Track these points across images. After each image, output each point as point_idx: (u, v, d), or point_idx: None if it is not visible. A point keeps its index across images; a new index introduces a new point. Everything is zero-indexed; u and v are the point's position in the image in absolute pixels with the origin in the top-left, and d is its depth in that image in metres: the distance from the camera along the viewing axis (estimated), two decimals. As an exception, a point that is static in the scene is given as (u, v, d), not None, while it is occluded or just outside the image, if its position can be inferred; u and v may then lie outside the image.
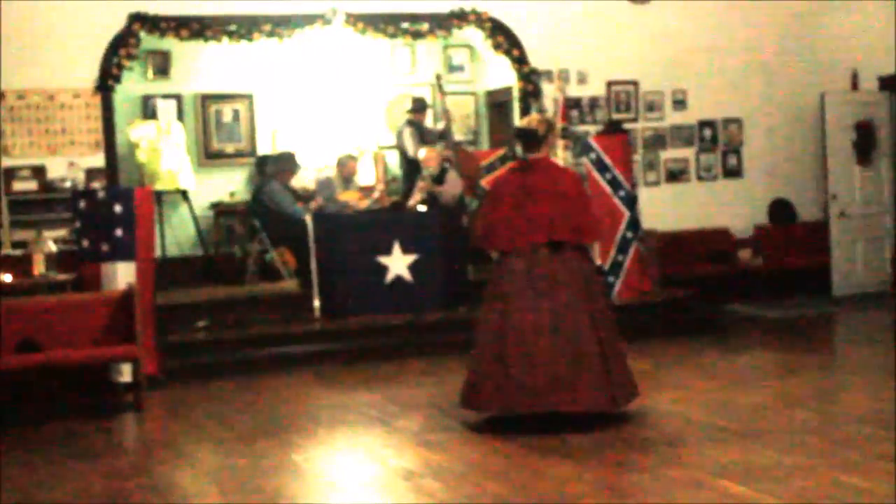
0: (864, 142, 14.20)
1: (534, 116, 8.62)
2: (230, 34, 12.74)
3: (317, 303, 11.84)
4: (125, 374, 9.84)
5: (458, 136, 14.54)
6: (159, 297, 10.97)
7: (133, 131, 13.47)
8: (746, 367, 10.40)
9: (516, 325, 7.68)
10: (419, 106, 13.88)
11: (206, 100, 14.56)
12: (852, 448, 6.85)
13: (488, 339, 7.79)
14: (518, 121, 13.08)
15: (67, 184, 12.03)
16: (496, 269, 8.01)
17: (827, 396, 8.75)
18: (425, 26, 13.41)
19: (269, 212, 12.91)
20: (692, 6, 14.37)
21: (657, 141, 14.39)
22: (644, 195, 13.16)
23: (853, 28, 14.48)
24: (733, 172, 14.72)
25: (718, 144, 14.68)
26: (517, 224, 7.85)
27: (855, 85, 14.52)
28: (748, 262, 14.23)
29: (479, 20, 13.53)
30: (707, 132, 14.61)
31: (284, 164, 13.21)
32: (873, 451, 6.73)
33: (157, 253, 12.20)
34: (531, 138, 8.06)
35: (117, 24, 12.33)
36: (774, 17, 14.65)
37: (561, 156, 12.28)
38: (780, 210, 14.79)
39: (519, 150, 8.31)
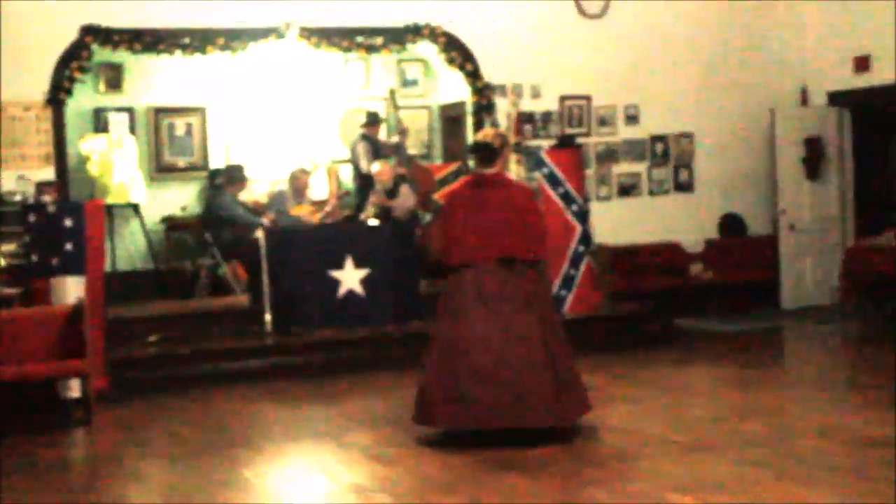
0: (813, 157, 14.34)
1: (489, 131, 8.65)
2: (183, 47, 12.67)
3: (268, 317, 11.79)
4: (74, 389, 9.76)
5: (412, 150, 14.55)
6: (110, 311, 10.89)
7: (84, 144, 13.40)
8: (697, 380, 10.47)
9: (468, 340, 7.69)
10: (373, 120, 13.89)
11: (159, 113, 14.49)
12: (803, 460, 6.92)
13: (440, 354, 7.80)
14: (472, 135, 13.15)
15: (17, 197, 11.90)
16: (449, 284, 7.99)
17: (777, 409, 8.81)
18: (379, 40, 13.40)
19: (221, 225, 12.85)
20: (645, 22, 14.46)
21: (609, 155, 14.45)
22: (596, 209, 13.20)
23: (803, 45, 14.64)
24: (684, 187, 14.80)
25: (670, 159, 14.75)
26: (470, 239, 7.86)
27: (804, 101, 14.66)
28: (699, 275, 14.31)
29: (433, 35, 13.54)
30: (659, 147, 14.68)
31: (233, 175, 13.17)
32: (823, 464, 6.80)
33: (108, 267, 12.12)
34: (487, 153, 8.07)
35: (69, 36, 12.23)
36: (726, 33, 14.76)
37: (514, 170, 12.32)
38: (731, 224, 14.89)
39: (473, 164, 8.30)
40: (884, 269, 12.88)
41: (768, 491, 6.28)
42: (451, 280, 7.95)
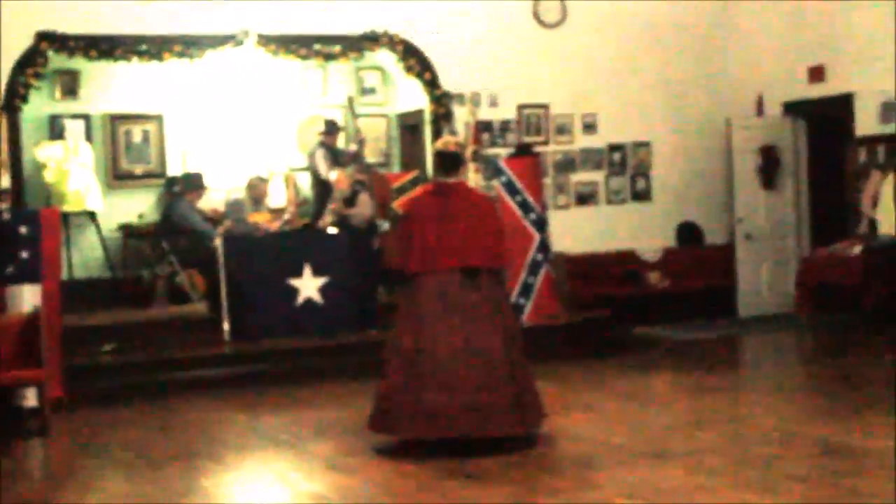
0: (769, 166, 14.47)
1: (449, 139, 8.66)
2: (140, 54, 12.63)
3: (226, 326, 11.74)
4: (30, 398, 9.68)
5: (370, 158, 14.55)
6: (66, 319, 10.80)
7: (40, 152, 13.30)
8: (654, 388, 10.51)
9: (430, 349, 7.68)
10: (331, 128, 13.86)
11: (116, 120, 14.41)
12: (759, 468, 6.96)
13: (400, 362, 7.77)
14: (430, 144, 13.17)
15: (-28, 205, 11.82)
16: (409, 292, 7.98)
17: (733, 417, 8.85)
18: (337, 48, 13.41)
19: (178, 233, 12.79)
20: (602, 31, 14.54)
21: (567, 164, 14.50)
22: (554, 218, 13.24)
23: (758, 55, 14.76)
24: (642, 196, 14.88)
25: (627, 168, 14.83)
26: (432, 248, 7.86)
27: (760, 110, 14.78)
28: (656, 284, 14.39)
29: (391, 43, 13.56)
30: (616, 156, 14.76)
31: (192, 183, 13.11)
32: (779, 471, 6.84)
33: (64, 275, 12.03)
34: (453, 162, 8.09)
35: (24, 42, 12.16)
36: (683, 43, 14.87)
37: (472, 178, 12.33)
38: (688, 233, 14.99)
39: (434, 172, 8.31)
40: (839, 278, 13.00)
41: (725, 499, 6.30)
42: (412, 288, 7.93)
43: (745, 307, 14.33)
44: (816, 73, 14.06)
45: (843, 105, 13.70)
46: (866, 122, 13.42)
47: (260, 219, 13.37)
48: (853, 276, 12.75)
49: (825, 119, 14.32)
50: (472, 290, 7.82)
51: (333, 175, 13.11)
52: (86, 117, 14.13)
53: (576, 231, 14.09)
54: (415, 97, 14.34)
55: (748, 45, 14.89)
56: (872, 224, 13.10)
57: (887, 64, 13.02)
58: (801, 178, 14.70)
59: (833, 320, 13.33)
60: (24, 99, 12.26)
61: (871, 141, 13.37)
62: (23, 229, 9.98)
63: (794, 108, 14.54)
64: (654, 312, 14.02)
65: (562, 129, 14.49)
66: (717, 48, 15.00)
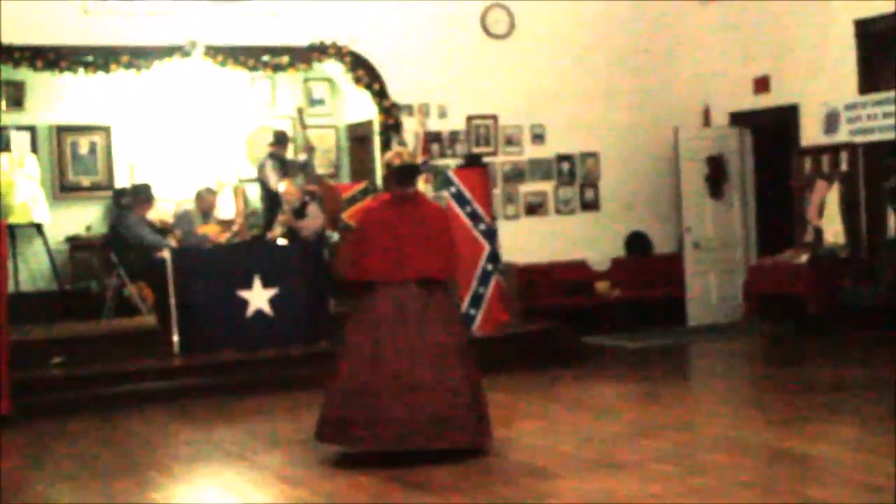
0: (716, 176, 14.58)
1: (399, 150, 8.68)
2: (86, 65, 12.56)
3: (176, 338, 11.67)
4: (-24, 412, 9.57)
5: (320, 169, 14.52)
6: (12, 333, 10.68)
7: (-18, 163, 13.18)
8: (605, 397, 10.54)
9: (387, 360, 7.65)
10: (281, 139, 13.83)
11: (62, 131, 14.31)
12: (710, 475, 6.99)
13: (355, 372, 7.74)
14: (379, 154, 13.17)
15: (-84, 217, 11.68)
16: (365, 303, 7.94)
17: (684, 425, 8.90)
18: (285, 59, 13.39)
19: (126, 245, 12.69)
20: (551, 42, 14.61)
21: (516, 174, 14.55)
22: (504, 228, 13.27)
23: (706, 65, 14.88)
24: (591, 206, 14.95)
25: (576, 178, 14.90)
26: (389, 258, 7.84)
27: (707, 120, 14.90)
28: (606, 293, 14.46)
29: (340, 54, 13.56)
30: (565, 166, 14.82)
31: (140, 195, 13.01)
32: (731, 478, 6.88)
33: (11, 288, 11.90)
34: (410, 173, 8.10)
35: (-32, 53, 12.06)
36: (630, 54, 14.96)
37: (422, 189, 12.32)
38: (637, 242, 15.07)
39: (386, 184, 8.30)
40: (785, 286, 13.13)
41: (677, 506, 6.35)
42: (367, 299, 7.90)
43: (694, 316, 14.43)
44: (762, 84, 14.21)
45: (788, 115, 13.87)
46: (811, 133, 13.57)
47: (209, 231, 13.29)
48: (800, 284, 12.89)
49: (771, 129, 14.46)
50: (427, 302, 7.82)
51: (283, 186, 13.07)
52: (31, 128, 14.00)
53: (525, 241, 14.14)
54: (364, 108, 14.33)
55: (695, 55, 15.02)
56: (818, 233, 13.25)
57: (831, 75, 13.20)
58: (747, 188, 14.84)
59: (780, 328, 13.46)
60: (-30, 110, 12.16)
61: (817, 151, 13.52)
62: (-32, 242, 9.88)
63: (740, 119, 14.68)
64: (603, 322, 14.09)
65: (511, 140, 14.53)
66: (664, 59, 15.10)
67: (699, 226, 14.55)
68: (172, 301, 11.70)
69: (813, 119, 13.53)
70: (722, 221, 14.71)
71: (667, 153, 14.89)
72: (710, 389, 11.01)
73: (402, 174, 8.10)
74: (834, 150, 13.29)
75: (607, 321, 14.15)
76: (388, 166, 8.26)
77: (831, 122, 13.31)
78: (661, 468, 7.25)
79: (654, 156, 15.07)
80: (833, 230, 12.98)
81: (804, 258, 13.06)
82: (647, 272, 14.79)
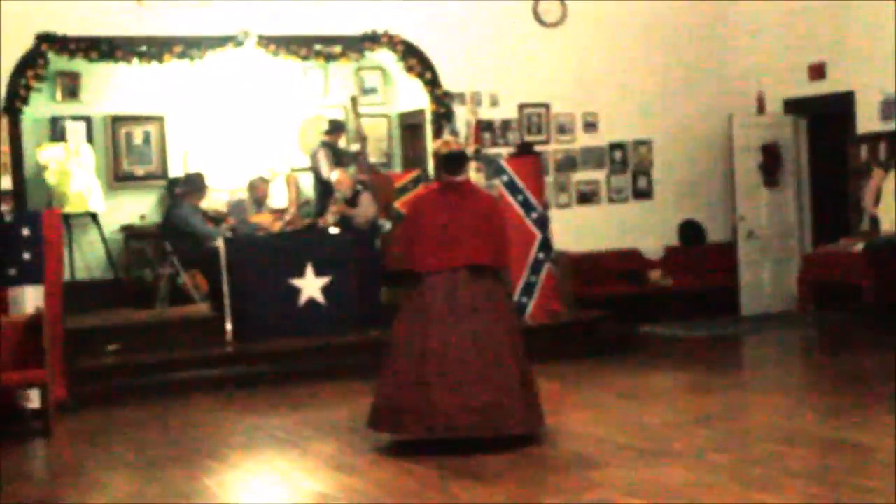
0: (770, 164, 14.46)
1: (448, 139, 8.67)
2: (140, 55, 12.63)
3: (229, 326, 11.74)
4: (33, 399, 9.68)
5: (372, 158, 14.54)
6: (69, 321, 10.81)
7: (41, 153, 13.31)
8: (657, 386, 10.51)
9: (438, 348, 7.67)
10: (335, 128, 13.86)
11: (117, 121, 14.40)
12: (761, 465, 6.95)
13: (406, 361, 7.76)
14: (431, 143, 13.17)
15: (-27, 207, 11.83)
16: (415, 291, 7.95)
17: (736, 414, 8.86)
18: (338, 49, 13.41)
19: (180, 234, 12.77)
20: (603, 29, 14.54)
21: (568, 163, 14.50)
22: (556, 217, 13.24)
23: (760, 52, 14.75)
24: (643, 194, 14.88)
25: (629, 166, 14.83)
26: (440, 247, 7.86)
27: (761, 108, 14.78)
28: (658, 282, 14.39)
29: (392, 43, 13.57)
30: (618, 154, 14.76)
31: (194, 185, 13.08)
32: (782, 468, 6.84)
33: (67, 276, 12.03)
34: (459, 161, 8.11)
35: (25, 44, 12.17)
36: (684, 41, 14.86)
37: (474, 178, 12.32)
38: (690, 231, 14.98)
39: (436, 173, 8.31)
40: (841, 275, 13.00)
41: (729, 497, 6.30)
42: (418, 287, 7.91)
43: (748, 305, 14.32)
44: (817, 71, 14.06)
45: (844, 102, 13.71)
46: (867, 120, 13.42)
47: (262, 219, 13.36)
48: (855, 273, 12.74)
49: (826, 116, 14.31)
50: (479, 289, 7.82)
51: (335, 175, 13.10)
52: (87, 119, 14.12)
53: (578, 230, 14.10)
54: (416, 97, 14.33)
55: (749, 42, 14.89)
56: (874, 221, 13.10)
57: (888, 61, 13.02)
58: (802, 176, 14.70)
59: (835, 318, 13.34)
60: (25, 101, 12.26)
61: (873, 138, 13.37)
62: (25, 231, 10.00)
63: (795, 106, 14.53)
64: (656, 311, 14.03)
65: (563, 128, 14.48)
66: (718, 45, 14.99)
67: (753, 214, 14.43)
68: (226, 289, 11.78)
69: (869, 106, 13.37)
70: (776, 210, 14.58)
71: (720, 141, 14.78)
72: (763, 379, 10.94)
73: (451, 162, 8.10)
74: (891, 137, 13.13)
75: (660, 310, 14.08)
76: (436, 155, 8.27)
77: (888, 108, 13.16)
78: (713, 457, 7.23)
79: (708, 143, 14.97)
80: (889, 218, 12.79)
81: (860, 247, 12.90)
82: (701, 261, 14.70)
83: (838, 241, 13.44)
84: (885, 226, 12.86)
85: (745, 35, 14.93)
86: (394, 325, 8.09)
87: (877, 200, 12.99)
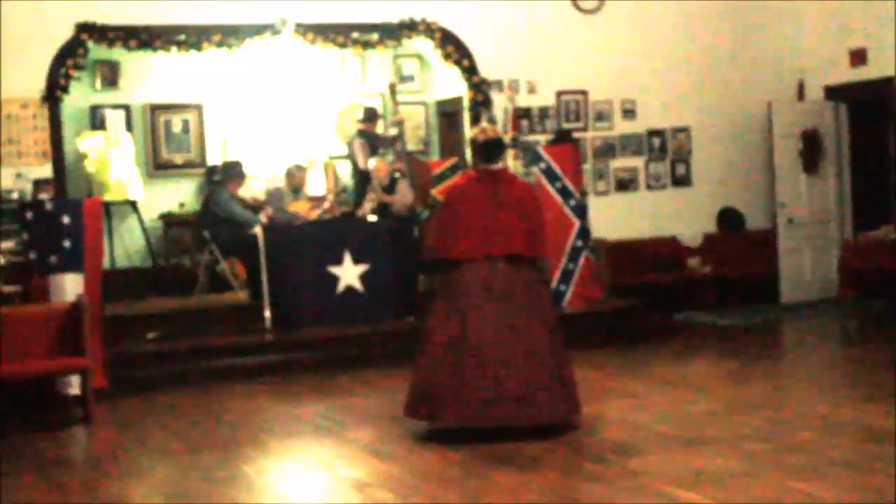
0: (811, 150, 14.34)
1: (485, 126, 8.65)
2: (179, 44, 12.69)
3: (267, 313, 11.79)
4: (74, 386, 9.75)
5: (410, 145, 14.53)
6: (108, 308, 10.88)
7: (81, 142, 13.40)
8: (696, 374, 10.46)
9: (475, 336, 7.66)
10: (370, 115, 13.87)
11: (155, 110, 14.49)
12: (801, 453, 6.91)
13: (443, 348, 7.75)
14: (469, 130, 13.14)
15: (15, 195, 11.92)
16: (452, 279, 7.95)
17: (776, 403, 8.80)
18: (375, 36, 13.42)
19: (219, 222, 12.83)
20: (641, 16, 14.48)
21: (607, 150, 14.46)
22: (594, 204, 13.21)
23: (800, 38, 14.64)
24: (682, 181, 14.82)
25: (667, 153, 14.77)
26: (477, 234, 7.84)
27: (801, 94, 14.67)
28: (697, 270, 14.32)
29: (429, 30, 13.56)
30: (656, 141, 14.70)
31: (232, 172, 13.13)
32: (822, 457, 6.80)
33: (106, 264, 12.11)
34: (495, 149, 8.09)
35: (64, 33, 12.25)
36: (722, 27, 14.78)
37: (511, 165, 12.32)
38: (729, 218, 14.90)
39: (473, 160, 8.29)
40: (882, 263, 12.87)
41: (769, 485, 6.27)
42: (455, 275, 7.90)
43: (788, 293, 14.23)
44: (858, 57, 13.93)
45: (885, 88, 13.57)
46: (909, 105, 13.31)
47: (299, 207, 13.39)
48: (896, 260, 12.63)
49: (867, 103, 14.18)
50: (515, 278, 7.81)
51: (372, 163, 13.12)
52: (126, 107, 14.20)
53: (616, 217, 14.07)
54: (453, 84, 14.33)
55: (789, 28, 14.77)
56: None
57: (930, 46, 12.90)
58: (842, 163, 14.58)
59: (875, 305, 13.22)
60: (65, 90, 12.35)
61: (914, 124, 13.25)
62: (65, 219, 10.06)
63: (835, 92, 14.41)
64: (695, 298, 13.98)
65: (601, 115, 14.44)
66: (757, 32, 14.89)
67: (793, 201, 14.32)
68: (264, 277, 11.82)
69: (911, 92, 13.27)
70: (816, 197, 14.47)
71: (760, 128, 14.69)
72: (802, 367, 10.87)
73: (487, 149, 8.08)
74: (932, 123, 13.02)
75: (698, 298, 14.03)
76: (473, 142, 8.25)
77: (929, 95, 13.05)
78: (752, 446, 7.19)
79: (747, 130, 14.89)
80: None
81: (901, 234, 12.80)
82: (740, 248, 14.62)
83: (879, 228, 13.31)
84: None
85: (785, 20, 14.82)
86: (430, 313, 8.09)
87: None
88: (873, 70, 13.76)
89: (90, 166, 13.30)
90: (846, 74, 14.14)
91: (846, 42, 14.02)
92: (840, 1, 14.07)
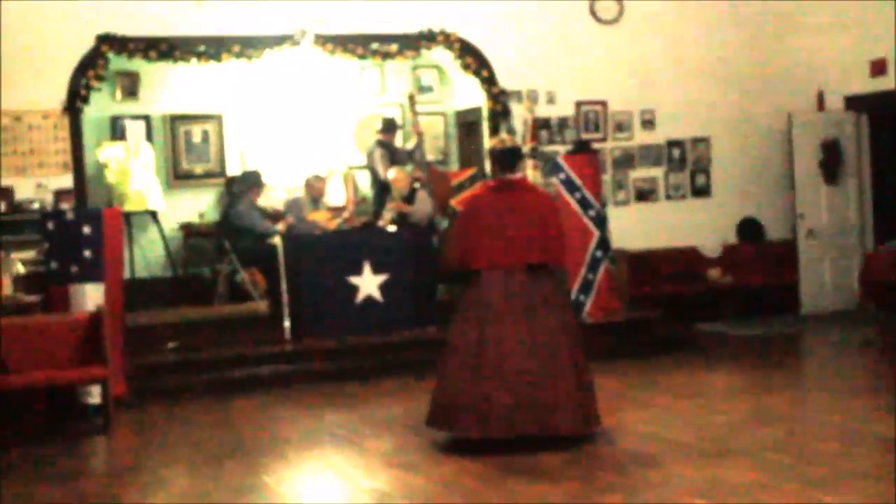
0: (831, 161, 14.30)
1: (504, 136, 8.67)
2: (199, 55, 12.73)
3: (287, 323, 11.80)
4: (94, 395, 9.78)
5: (429, 156, 14.55)
6: (129, 318, 10.91)
7: (101, 152, 13.45)
8: (716, 385, 10.43)
9: (495, 347, 7.66)
10: (389, 126, 13.87)
11: (175, 120, 14.54)
12: (821, 465, 6.88)
13: (463, 359, 7.75)
14: (488, 141, 13.16)
15: (36, 205, 11.97)
16: (472, 289, 7.94)
17: (796, 414, 8.79)
18: (394, 47, 13.44)
19: (238, 232, 12.85)
20: (660, 27, 14.47)
21: (626, 160, 14.45)
22: (613, 214, 13.19)
23: (820, 49, 14.60)
24: (702, 192, 14.80)
25: (687, 164, 14.75)
26: (496, 244, 7.84)
27: (821, 105, 14.63)
28: (717, 280, 14.29)
29: (448, 41, 13.57)
30: (676, 152, 14.68)
31: (251, 181, 13.15)
32: (842, 468, 6.77)
33: (127, 274, 12.15)
34: (513, 158, 8.09)
35: (85, 45, 12.31)
36: (742, 38, 14.77)
37: (531, 176, 12.31)
38: (749, 229, 14.87)
39: (492, 169, 8.31)
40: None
41: (790, 496, 6.25)
42: (474, 285, 7.90)
43: (808, 304, 14.20)
44: (878, 67, 13.89)
45: (906, 99, 13.56)
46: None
47: (319, 217, 13.40)
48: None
49: (888, 113, 14.14)
50: (535, 288, 7.81)
51: (392, 173, 13.13)
52: (146, 118, 14.25)
53: (636, 227, 14.05)
54: (472, 95, 14.34)
55: (809, 39, 14.74)
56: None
57: (951, 56, 12.86)
58: (863, 174, 14.53)
59: (896, 317, 13.19)
60: (86, 100, 12.40)
61: (936, 135, 13.21)
62: (86, 229, 10.09)
63: (856, 103, 14.37)
64: (715, 309, 13.95)
65: (620, 126, 14.43)
66: (777, 42, 14.88)
67: (813, 212, 14.29)
68: (284, 287, 11.83)
69: (932, 102, 13.23)
70: (837, 208, 14.43)
71: (780, 138, 14.66)
72: (823, 378, 10.82)
73: (506, 159, 8.09)
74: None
75: (719, 308, 14.00)
76: (491, 152, 8.26)
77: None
78: (772, 457, 7.16)
79: (767, 141, 14.86)
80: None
81: (922, 245, 12.78)
82: (760, 259, 14.59)
83: (900, 239, 13.30)
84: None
85: (805, 31, 14.79)
86: (451, 323, 8.09)
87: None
88: (894, 80, 13.73)
89: (110, 177, 13.36)
90: (866, 85, 14.10)
91: (866, 52, 13.99)
92: (860, 11, 14.04)
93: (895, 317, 13.23)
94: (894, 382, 9.84)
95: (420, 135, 13.63)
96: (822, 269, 14.33)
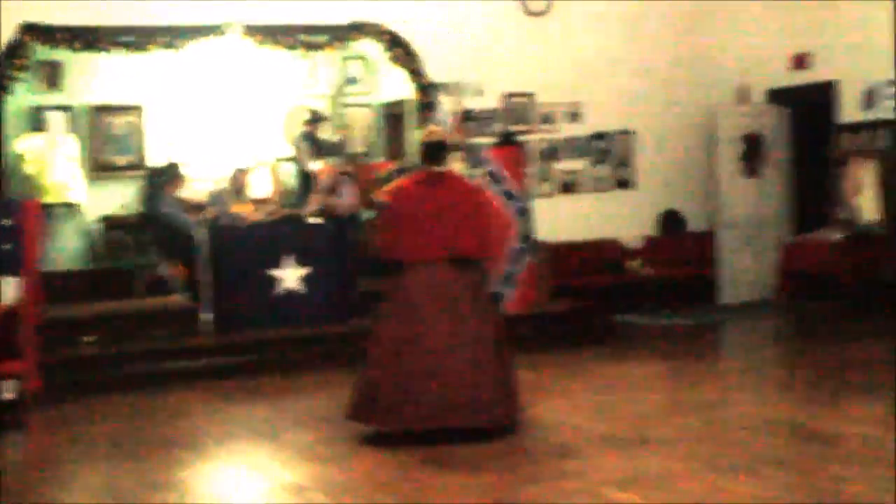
0: (752, 154, 14.46)
1: (432, 129, 8.65)
2: (125, 45, 12.57)
3: (205, 316, 11.70)
4: (9, 390, 9.62)
5: (356, 147, 14.49)
6: (46, 311, 10.75)
7: (19, 144, 13.23)
8: (635, 375, 10.50)
9: (419, 339, 7.66)
10: (315, 118, 13.81)
11: (98, 111, 14.33)
12: (738, 453, 6.97)
13: (387, 352, 7.75)
14: (414, 133, 13.14)
15: (-47, 197, 11.77)
16: (397, 282, 7.92)
17: (714, 403, 8.86)
18: (323, 38, 13.37)
19: (159, 225, 12.72)
20: (588, 21, 14.53)
21: (551, 153, 14.49)
22: (538, 206, 13.20)
23: (742, 42, 14.75)
24: (625, 184, 14.88)
25: (611, 156, 14.82)
26: (421, 238, 7.83)
27: (743, 98, 14.77)
28: (638, 272, 14.37)
29: (377, 32, 13.52)
30: (600, 144, 14.75)
31: (170, 174, 13.02)
32: (759, 456, 6.86)
33: (45, 267, 11.96)
34: (440, 150, 8.08)
35: (8, 34, 12.10)
36: (667, 31, 14.86)
37: (457, 168, 12.29)
38: (671, 221, 14.99)
39: (421, 162, 8.28)
40: (820, 265, 13.01)
41: (706, 485, 6.32)
42: (400, 278, 7.89)
43: (727, 294, 14.35)
44: (800, 61, 14.06)
45: (826, 92, 13.71)
46: (850, 110, 13.43)
47: (243, 209, 13.29)
48: (834, 262, 12.77)
49: (809, 106, 14.31)
50: (460, 281, 7.80)
51: (317, 165, 13.07)
52: (68, 109, 14.05)
53: (559, 219, 14.07)
54: (399, 86, 14.28)
55: (732, 32, 14.89)
56: (854, 211, 13.12)
57: (871, 52, 13.03)
58: (784, 166, 14.70)
59: (814, 307, 13.35)
60: (9, 91, 12.19)
61: (854, 128, 13.39)
62: (6, 221, 9.91)
63: (778, 96, 14.54)
64: (635, 300, 14.02)
65: (547, 118, 14.46)
66: (700, 36, 15.00)
67: (734, 204, 14.44)
68: (203, 279, 11.74)
69: (851, 96, 13.39)
70: (757, 199, 14.58)
71: (703, 131, 14.79)
72: (741, 368, 10.91)
73: (433, 151, 8.08)
74: (872, 127, 13.15)
75: (639, 299, 14.09)
76: (420, 144, 8.24)
77: (870, 99, 13.18)
78: (689, 446, 7.24)
79: (691, 133, 14.99)
80: (869, 208, 12.85)
81: (839, 236, 12.94)
82: (680, 250, 14.70)
83: (819, 230, 13.46)
84: (865, 215, 12.90)
85: (728, 25, 14.94)
86: (375, 316, 8.07)
87: (857, 190, 13.02)
88: (815, 74, 13.90)
89: (29, 168, 13.14)
90: (789, 78, 14.27)
91: (789, 46, 14.15)
92: (782, 6, 14.19)
93: (811, 306, 13.41)
94: (812, 371, 9.99)
95: (346, 127, 13.46)
96: (741, 260, 14.47)
